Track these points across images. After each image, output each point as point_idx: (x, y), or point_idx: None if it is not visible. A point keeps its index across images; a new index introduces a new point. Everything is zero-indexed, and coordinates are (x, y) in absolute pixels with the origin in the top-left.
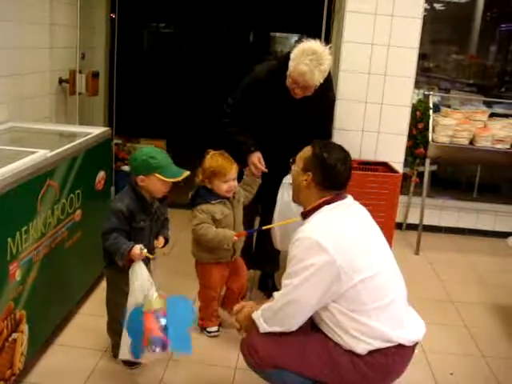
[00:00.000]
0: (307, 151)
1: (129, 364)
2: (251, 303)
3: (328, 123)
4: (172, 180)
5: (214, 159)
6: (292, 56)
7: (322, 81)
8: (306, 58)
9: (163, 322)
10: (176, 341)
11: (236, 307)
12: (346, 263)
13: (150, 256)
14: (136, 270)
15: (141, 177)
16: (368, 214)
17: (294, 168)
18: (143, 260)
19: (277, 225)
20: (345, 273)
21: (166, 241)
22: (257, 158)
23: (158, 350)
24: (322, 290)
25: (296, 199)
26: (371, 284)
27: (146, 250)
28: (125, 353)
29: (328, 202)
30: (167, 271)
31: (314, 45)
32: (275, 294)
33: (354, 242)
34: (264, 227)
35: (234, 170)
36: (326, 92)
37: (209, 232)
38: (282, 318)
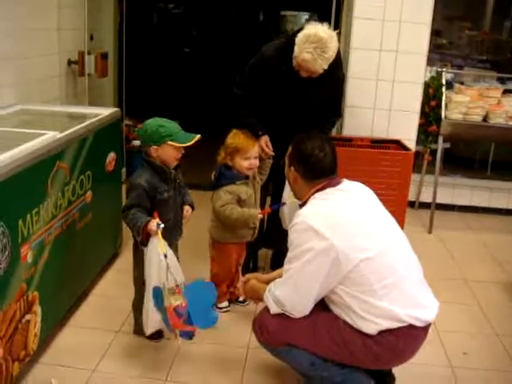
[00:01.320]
0: (290, 147)
1: (154, 338)
2: (255, 275)
3: (337, 102)
4: (184, 145)
5: (237, 137)
6: (297, 40)
7: (326, 67)
8: (310, 45)
9: (185, 315)
10: (202, 322)
11: (242, 279)
12: (344, 245)
13: (160, 229)
14: (154, 244)
15: (153, 147)
16: (371, 195)
17: (285, 167)
18: (170, 242)
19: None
20: (344, 254)
21: (192, 207)
22: (264, 142)
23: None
24: (323, 272)
25: (294, 196)
26: (375, 264)
27: (162, 225)
28: (152, 326)
29: (320, 190)
30: (183, 251)
31: (319, 31)
32: (277, 281)
33: (351, 224)
34: (286, 202)
35: (255, 148)
36: (335, 71)
37: (233, 212)
38: (289, 305)
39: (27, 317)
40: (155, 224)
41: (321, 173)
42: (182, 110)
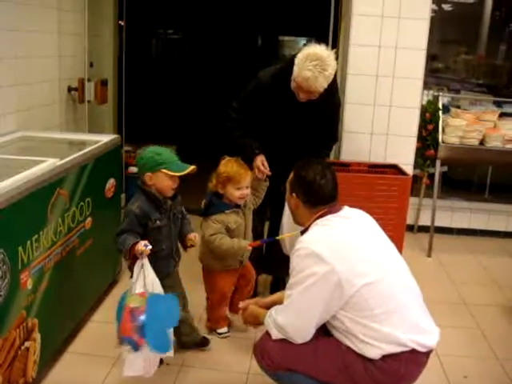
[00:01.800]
0: (291, 174)
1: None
2: (254, 300)
3: (334, 127)
4: (178, 174)
5: (229, 165)
6: (296, 61)
7: (326, 86)
8: (310, 63)
9: (139, 321)
10: (154, 341)
11: (241, 306)
12: (346, 269)
13: (146, 251)
14: (137, 267)
15: (148, 174)
16: (371, 221)
17: (286, 193)
18: (165, 271)
19: (289, 235)
20: (346, 279)
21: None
22: (260, 161)
23: (130, 350)
24: (325, 298)
25: (295, 221)
26: (376, 289)
27: (150, 247)
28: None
29: (321, 216)
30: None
31: (318, 50)
32: (278, 306)
33: (353, 250)
34: (277, 237)
35: (248, 178)
36: (331, 95)
37: (223, 243)
38: (291, 331)
39: (27, 344)
40: (142, 244)
41: (322, 199)
42: (181, 135)
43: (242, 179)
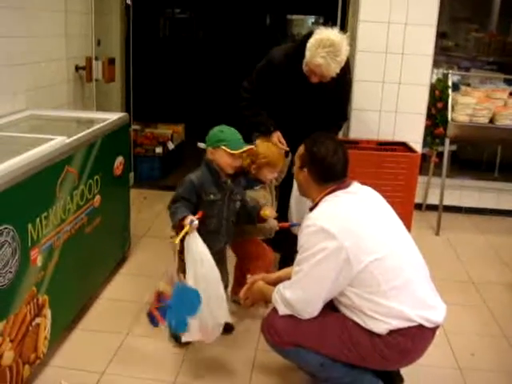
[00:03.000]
0: (301, 149)
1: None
2: (262, 276)
3: (344, 105)
4: (235, 151)
5: (270, 149)
6: (309, 45)
7: (338, 71)
8: (323, 50)
9: (164, 304)
10: (173, 322)
11: (249, 280)
12: (354, 246)
13: (191, 228)
14: (189, 242)
15: (210, 149)
16: (379, 198)
17: (294, 167)
18: (210, 246)
19: None
20: (354, 255)
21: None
22: (277, 137)
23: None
24: (333, 274)
25: (302, 194)
26: (383, 265)
27: (196, 222)
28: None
29: (330, 193)
30: None
31: (331, 35)
32: (286, 282)
33: (361, 225)
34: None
35: (284, 162)
36: (343, 75)
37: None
38: (298, 307)
39: (37, 320)
40: (189, 219)
41: (332, 176)
42: (189, 114)
43: (280, 164)
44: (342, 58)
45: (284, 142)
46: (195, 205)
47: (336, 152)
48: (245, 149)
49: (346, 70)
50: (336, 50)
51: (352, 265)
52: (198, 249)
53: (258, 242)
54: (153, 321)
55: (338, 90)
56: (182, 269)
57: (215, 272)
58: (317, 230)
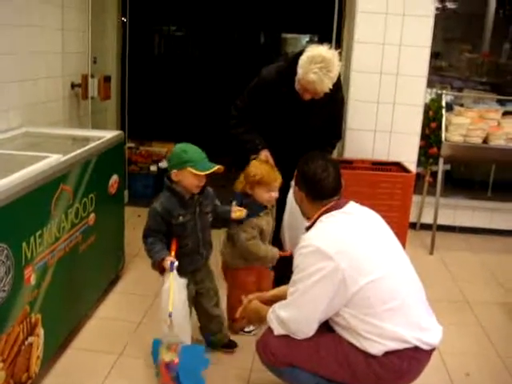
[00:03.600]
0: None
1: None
2: (257, 294)
3: (338, 124)
4: (203, 173)
5: (261, 167)
6: (300, 62)
7: (331, 86)
8: (315, 66)
9: (174, 372)
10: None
11: (244, 300)
12: (350, 267)
13: (174, 267)
14: (169, 281)
15: (174, 171)
16: (377, 218)
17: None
18: (192, 267)
19: None
20: (350, 276)
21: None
22: (264, 156)
23: None
24: (329, 294)
25: (303, 215)
26: (379, 286)
27: (176, 264)
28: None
29: (326, 212)
30: None
31: (322, 51)
32: (281, 302)
33: (357, 246)
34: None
35: (279, 180)
36: (335, 93)
37: (260, 249)
38: (293, 327)
39: (30, 339)
40: (168, 263)
41: (323, 194)
42: (184, 132)
43: (273, 181)
44: (335, 73)
45: (271, 160)
46: (166, 233)
47: (326, 169)
48: (213, 169)
49: (338, 87)
50: (328, 65)
51: (347, 286)
52: (175, 288)
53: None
54: None
55: (330, 107)
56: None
57: (185, 310)
58: (313, 251)
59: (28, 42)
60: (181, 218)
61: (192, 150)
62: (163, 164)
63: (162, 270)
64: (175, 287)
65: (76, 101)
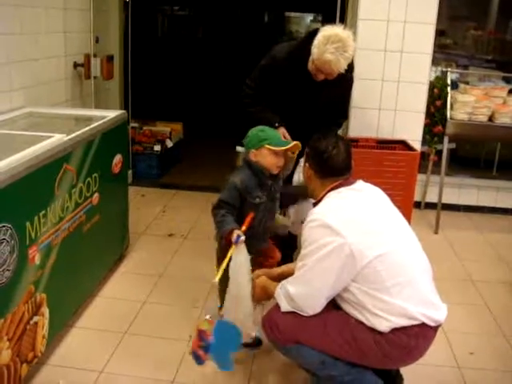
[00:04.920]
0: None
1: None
2: (265, 270)
3: (345, 104)
4: (281, 148)
5: None
6: (316, 42)
7: (346, 67)
8: (332, 45)
9: (205, 342)
10: (218, 360)
11: (253, 275)
12: (358, 241)
13: (239, 241)
14: (234, 253)
15: (253, 151)
16: (384, 196)
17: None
18: (253, 248)
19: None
20: (358, 250)
21: None
22: (282, 133)
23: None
24: (337, 269)
25: (310, 194)
26: (388, 261)
27: (243, 238)
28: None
29: (334, 188)
30: (190, 253)
31: (339, 31)
32: (289, 278)
33: (365, 221)
34: None
35: (290, 160)
36: (346, 74)
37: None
38: (301, 302)
39: (35, 318)
40: (235, 236)
41: (333, 171)
42: (187, 112)
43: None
44: (350, 53)
45: (288, 136)
46: (239, 208)
47: (336, 145)
48: (289, 146)
49: (350, 69)
50: (344, 45)
51: (356, 260)
52: (241, 261)
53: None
54: (198, 359)
55: (340, 88)
56: (221, 301)
57: (248, 288)
58: (320, 225)
59: (30, 22)
60: (257, 199)
61: (268, 130)
62: (169, 143)
63: (229, 242)
64: (238, 260)
65: (79, 81)
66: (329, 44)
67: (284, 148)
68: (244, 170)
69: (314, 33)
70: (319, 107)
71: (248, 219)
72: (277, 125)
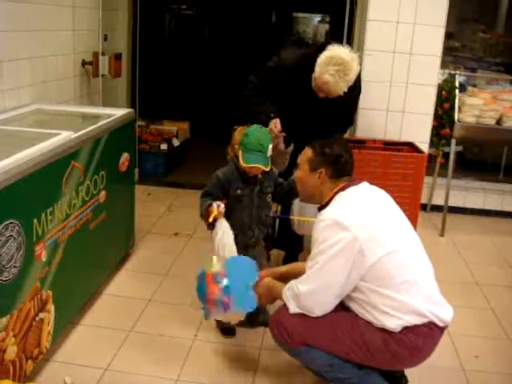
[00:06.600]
0: (308, 152)
1: (225, 333)
2: (271, 271)
3: (352, 112)
4: (243, 165)
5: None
6: (319, 61)
7: (346, 89)
8: (333, 67)
9: (223, 283)
10: (239, 300)
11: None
12: (368, 238)
13: (218, 212)
14: (217, 226)
15: (236, 147)
16: (388, 197)
17: (299, 172)
18: (243, 242)
19: (303, 219)
20: (367, 247)
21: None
22: (273, 124)
23: (221, 310)
24: (348, 266)
25: (306, 199)
26: (395, 259)
27: (222, 206)
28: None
29: (343, 189)
30: (195, 252)
31: (342, 53)
32: (299, 278)
33: (374, 219)
34: (291, 217)
35: (283, 155)
36: (353, 90)
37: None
38: (311, 302)
39: (41, 315)
40: (215, 204)
41: (347, 172)
42: (194, 111)
43: None
44: (351, 76)
45: (279, 127)
46: (223, 199)
47: (347, 149)
48: (251, 165)
49: (357, 84)
50: (346, 68)
51: (365, 257)
52: (223, 234)
53: None
54: (222, 305)
55: (347, 100)
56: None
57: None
58: (331, 224)
59: (39, 19)
60: (238, 191)
61: (253, 137)
62: (176, 142)
63: (208, 215)
64: (222, 226)
65: (87, 78)
66: (330, 65)
67: (245, 165)
68: (230, 165)
69: (322, 47)
70: (323, 115)
71: (223, 201)
72: (272, 115)
